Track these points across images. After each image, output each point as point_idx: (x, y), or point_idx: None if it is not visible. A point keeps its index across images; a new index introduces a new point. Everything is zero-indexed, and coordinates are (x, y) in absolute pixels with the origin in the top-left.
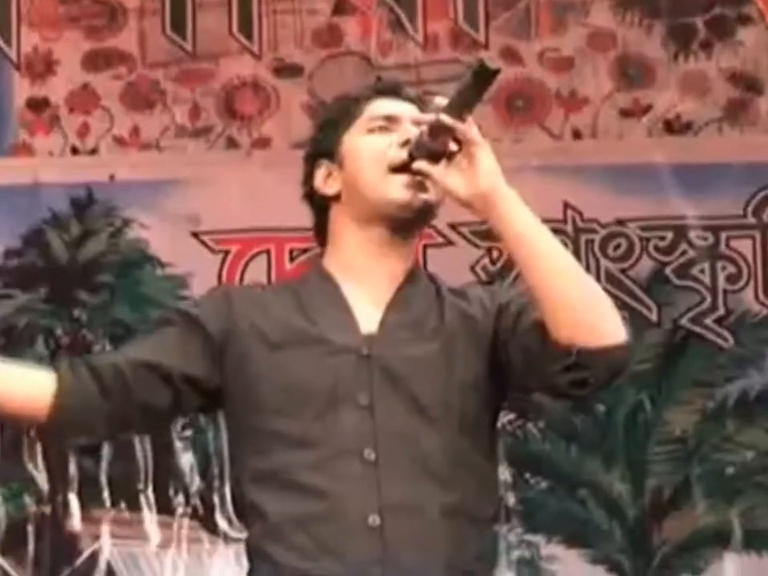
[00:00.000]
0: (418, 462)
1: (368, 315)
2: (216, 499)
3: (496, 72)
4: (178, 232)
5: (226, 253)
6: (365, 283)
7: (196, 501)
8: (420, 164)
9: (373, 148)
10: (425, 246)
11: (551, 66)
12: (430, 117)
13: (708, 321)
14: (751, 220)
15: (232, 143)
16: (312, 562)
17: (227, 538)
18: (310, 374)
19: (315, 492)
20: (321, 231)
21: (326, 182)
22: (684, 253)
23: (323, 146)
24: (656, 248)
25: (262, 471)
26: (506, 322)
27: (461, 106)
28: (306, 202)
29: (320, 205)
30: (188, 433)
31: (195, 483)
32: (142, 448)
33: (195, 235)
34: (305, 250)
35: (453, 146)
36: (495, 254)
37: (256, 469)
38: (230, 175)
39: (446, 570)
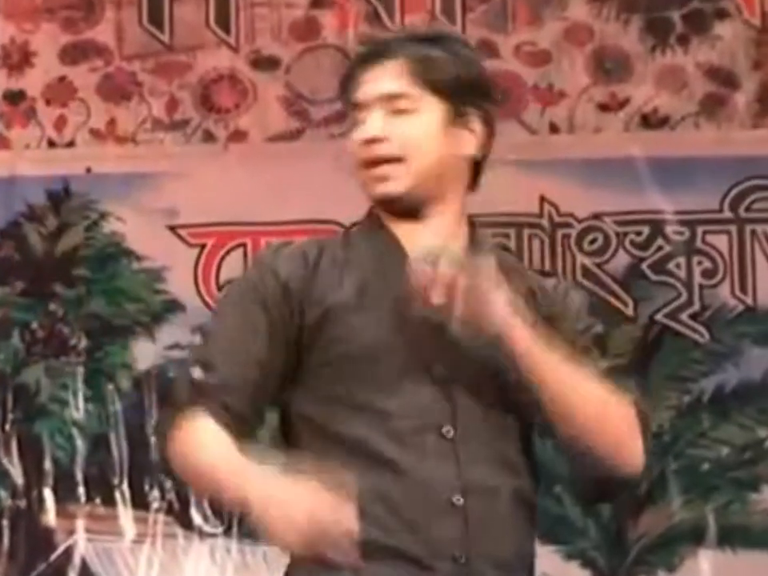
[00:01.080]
0: (491, 443)
1: None
2: (191, 494)
3: None
4: (155, 225)
5: (203, 246)
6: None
7: (171, 496)
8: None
9: (351, 146)
10: None
11: (528, 60)
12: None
13: (684, 316)
14: (728, 215)
15: (209, 136)
16: (391, 536)
17: (202, 534)
18: (388, 341)
19: (394, 465)
20: None
21: None
22: (660, 248)
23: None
24: (632, 243)
25: (334, 438)
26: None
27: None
28: None
29: None
30: None
31: (170, 478)
32: (117, 443)
33: (171, 228)
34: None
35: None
36: None
37: (327, 432)
38: (207, 169)
39: (515, 557)
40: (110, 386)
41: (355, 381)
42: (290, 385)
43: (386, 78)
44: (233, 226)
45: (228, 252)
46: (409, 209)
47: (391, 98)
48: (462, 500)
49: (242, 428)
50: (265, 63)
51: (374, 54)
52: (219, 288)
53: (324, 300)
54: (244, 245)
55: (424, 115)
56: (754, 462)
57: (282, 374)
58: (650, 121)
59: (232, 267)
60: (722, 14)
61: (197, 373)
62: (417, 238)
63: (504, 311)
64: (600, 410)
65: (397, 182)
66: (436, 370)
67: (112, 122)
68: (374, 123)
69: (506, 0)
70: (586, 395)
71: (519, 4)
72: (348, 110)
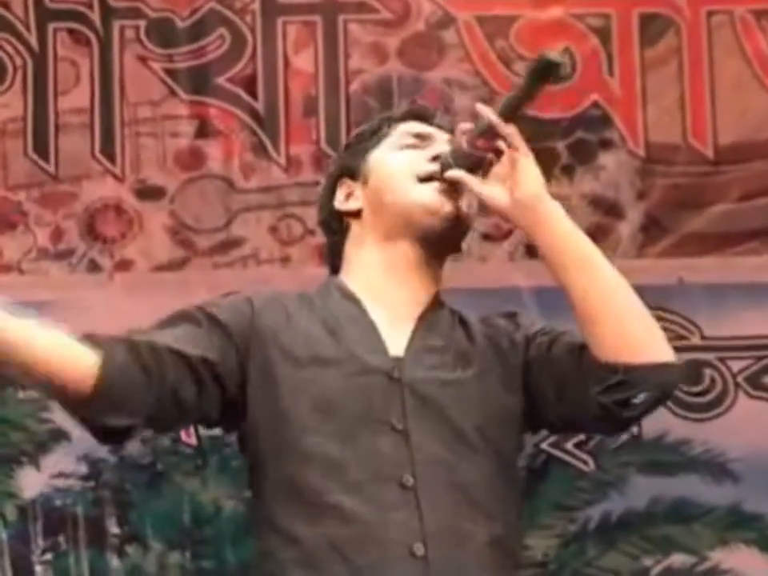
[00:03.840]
0: (458, 490)
1: (394, 337)
2: None
3: (560, 67)
4: None
5: None
6: (389, 303)
7: None
8: (453, 172)
9: (401, 161)
10: None
11: None
12: (478, 122)
13: (569, 445)
14: None
15: (94, 266)
16: None
17: None
18: (341, 393)
19: (353, 517)
20: (336, 254)
21: (346, 200)
22: None
23: (347, 165)
24: None
25: (290, 493)
26: (537, 352)
27: (512, 108)
28: (321, 227)
29: (338, 225)
30: (48, 556)
31: None
32: (2, 572)
33: None
34: None
35: (491, 156)
36: None
37: (283, 490)
38: (92, 298)
39: None
40: None
41: (310, 430)
42: (241, 423)
43: (445, 135)
44: None
45: None
46: (454, 239)
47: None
48: (423, 549)
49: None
50: (150, 193)
51: (432, 113)
52: None
53: (283, 347)
54: None
55: None
56: None
57: (218, 372)
58: (534, 251)
59: None
60: (606, 144)
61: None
62: (382, 297)
63: (537, 180)
64: (629, 290)
65: (462, 203)
66: (394, 419)
67: None
68: (443, 147)
69: None
70: (618, 275)
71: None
72: (383, 128)
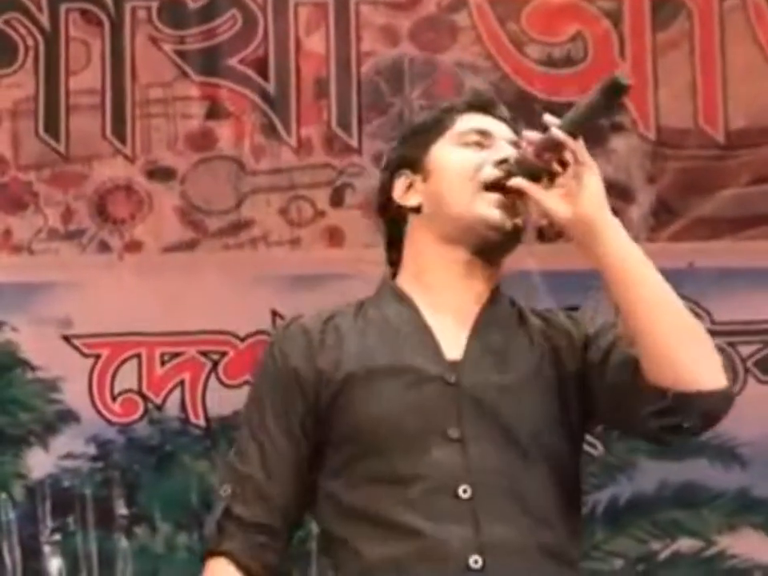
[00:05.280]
0: (515, 499)
1: (451, 340)
2: None
3: (627, 88)
4: (49, 335)
5: (97, 357)
6: (445, 305)
7: None
8: (518, 181)
9: (465, 162)
10: None
11: None
12: (540, 135)
13: None
14: None
15: (104, 247)
16: None
17: None
18: (398, 408)
19: (411, 531)
20: (394, 246)
21: (406, 193)
22: None
23: (407, 156)
24: None
25: (353, 509)
26: (594, 356)
27: (578, 124)
28: (379, 214)
29: (396, 217)
30: (57, 537)
31: None
32: (10, 552)
33: (66, 339)
34: (175, 354)
35: (557, 167)
36: None
37: (346, 506)
38: (102, 279)
39: None
40: (3, 495)
41: (367, 451)
42: (313, 462)
43: (506, 128)
44: (127, 336)
45: (122, 362)
46: (508, 249)
47: (513, 144)
48: (480, 562)
49: (278, 542)
50: (160, 174)
51: (494, 104)
52: (113, 398)
53: (332, 377)
54: (138, 355)
55: None
56: (647, 574)
57: (308, 457)
58: (545, 235)
59: (126, 378)
60: (617, 128)
61: (226, 491)
62: (438, 298)
63: (600, 196)
64: (687, 314)
65: (521, 216)
66: (450, 430)
67: (7, 232)
68: (507, 148)
69: (401, 112)
70: (674, 296)
71: (415, 116)
72: (445, 119)
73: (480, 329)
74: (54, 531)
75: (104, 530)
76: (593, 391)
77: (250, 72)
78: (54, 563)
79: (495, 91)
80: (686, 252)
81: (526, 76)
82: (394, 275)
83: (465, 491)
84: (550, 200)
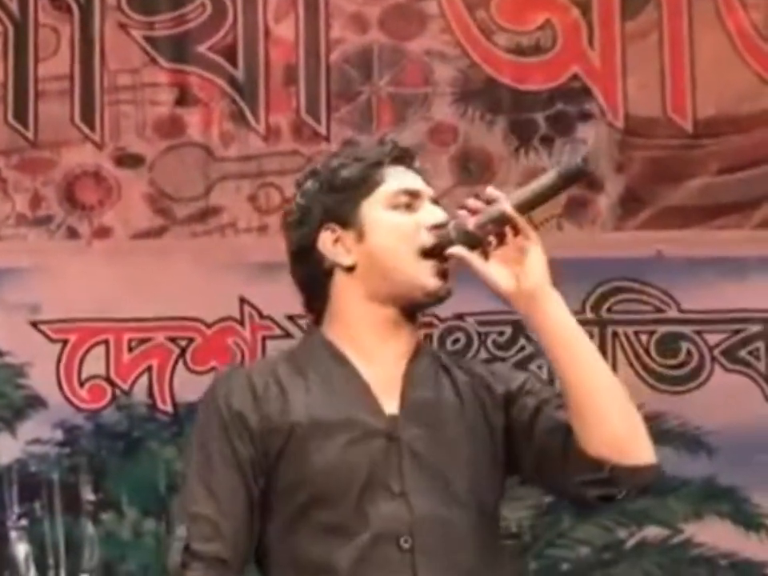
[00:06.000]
0: (451, 550)
1: (386, 394)
2: None
3: (588, 174)
4: (17, 321)
5: (65, 342)
6: (376, 360)
7: None
8: (459, 250)
9: (402, 227)
10: (263, 338)
11: None
12: (482, 205)
13: None
14: (589, 316)
15: (72, 233)
16: None
17: None
18: (346, 461)
19: None
20: (316, 295)
21: (334, 247)
22: (522, 348)
23: (335, 210)
24: (494, 343)
25: (298, 559)
26: (520, 416)
27: (531, 205)
28: (294, 259)
29: (319, 268)
30: (23, 522)
31: (31, 574)
32: None
33: (34, 324)
34: (143, 341)
35: (492, 239)
36: None
37: (293, 555)
38: (70, 265)
39: None
40: None
41: (314, 502)
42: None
43: (424, 183)
44: (95, 322)
45: (90, 348)
46: (426, 311)
47: (434, 202)
48: None
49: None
50: (129, 160)
51: (414, 157)
52: (81, 384)
53: (279, 426)
54: (106, 341)
55: None
56: (613, 562)
57: (257, 501)
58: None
59: (94, 364)
60: (585, 116)
61: (182, 531)
62: (369, 355)
63: (544, 271)
64: (620, 388)
65: (452, 280)
66: (393, 483)
67: None
68: (439, 213)
69: (370, 100)
70: (609, 372)
71: (383, 104)
72: (372, 175)
73: (411, 383)
74: (20, 517)
75: (71, 515)
76: (519, 450)
77: (219, 59)
78: (21, 549)
79: (464, 79)
80: (655, 241)
81: (494, 64)
82: (316, 322)
83: (406, 541)
84: (493, 272)
